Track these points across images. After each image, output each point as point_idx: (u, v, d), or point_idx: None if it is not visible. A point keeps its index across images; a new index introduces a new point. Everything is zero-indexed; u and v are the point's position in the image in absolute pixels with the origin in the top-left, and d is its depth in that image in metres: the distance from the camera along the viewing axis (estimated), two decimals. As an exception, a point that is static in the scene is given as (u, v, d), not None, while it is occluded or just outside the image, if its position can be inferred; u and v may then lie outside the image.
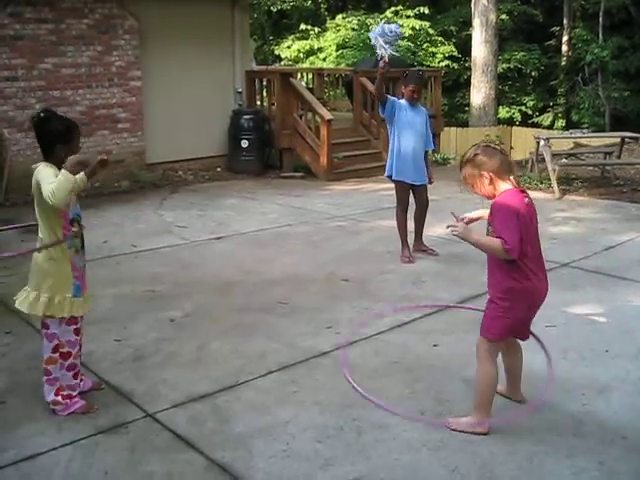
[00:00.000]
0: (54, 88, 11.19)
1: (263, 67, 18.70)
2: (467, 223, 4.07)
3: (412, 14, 23.69)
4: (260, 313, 5.95)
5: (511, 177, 3.90)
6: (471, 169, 3.92)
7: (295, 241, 8.33)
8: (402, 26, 22.58)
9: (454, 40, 24.79)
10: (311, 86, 16.35)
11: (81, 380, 4.39)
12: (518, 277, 3.84)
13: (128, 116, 12.06)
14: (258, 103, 14.16)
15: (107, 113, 11.82)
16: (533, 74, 24.85)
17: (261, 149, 13.25)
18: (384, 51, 7.10)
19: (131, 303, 6.22)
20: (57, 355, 4.21)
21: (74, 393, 4.28)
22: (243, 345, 5.27)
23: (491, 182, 3.86)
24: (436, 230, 8.32)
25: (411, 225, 7.68)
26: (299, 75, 16.08)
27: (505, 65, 23.98)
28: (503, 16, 23.26)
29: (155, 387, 4.60)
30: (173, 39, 12.42)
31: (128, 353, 5.15)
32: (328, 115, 12.65)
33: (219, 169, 13.30)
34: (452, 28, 24.99)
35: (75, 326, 4.23)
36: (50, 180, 3.85)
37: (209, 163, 13.27)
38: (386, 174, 7.66)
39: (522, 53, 24.30)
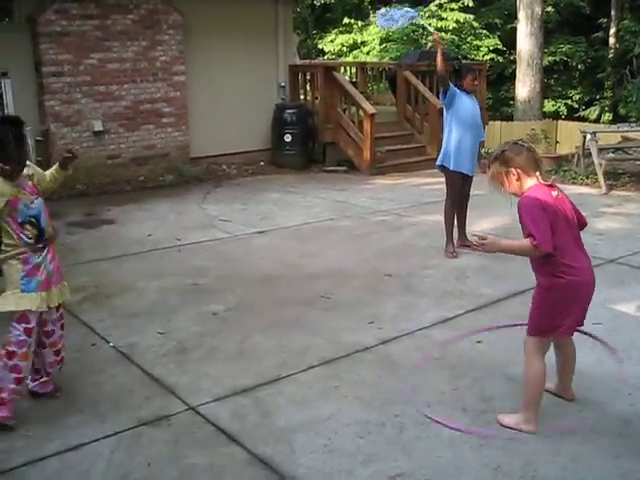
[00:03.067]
0: (99, 83, 11.29)
1: (306, 61, 18.67)
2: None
3: (456, 7, 23.44)
4: (303, 307, 5.95)
5: (538, 173, 3.85)
6: (499, 166, 3.90)
7: (338, 235, 8.31)
8: (446, 19, 22.48)
9: (499, 33, 24.49)
10: (354, 80, 16.29)
11: (20, 390, 4.21)
12: (553, 272, 3.81)
13: (172, 110, 12.13)
14: (301, 97, 14.13)
15: (151, 108, 11.90)
16: (579, 67, 24.45)
17: (304, 143, 13.24)
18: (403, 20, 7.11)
19: (175, 296, 6.26)
20: (4, 352, 4.11)
21: (6, 397, 4.09)
22: (285, 339, 5.27)
23: (519, 178, 3.83)
24: (481, 225, 8.27)
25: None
26: (342, 69, 16.03)
27: (551, 58, 23.64)
28: (549, 8, 22.92)
29: (198, 380, 4.62)
30: (217, 34, 12.46)
31: (171, 346, 5.18)
32: (371, 109, 12.59)
33: (262, 163, 13.32)
34: (497, 21, 24.68)
35: (26, 325, 4.08)
36: None
37: (252, 157, 13.29)
38: (438, 163, 7.55)
39: (568, 46, 23.92)
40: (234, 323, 5.62)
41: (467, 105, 7.34)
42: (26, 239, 4.03)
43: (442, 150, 7.50)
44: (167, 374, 4.71)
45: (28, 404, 4.33)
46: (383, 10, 7.40)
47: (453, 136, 7.33)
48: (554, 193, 3.82)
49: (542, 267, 3.84)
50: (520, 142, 4.00)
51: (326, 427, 4.03)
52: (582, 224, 3.98)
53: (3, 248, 4.09)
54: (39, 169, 4.32)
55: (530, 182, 3.83)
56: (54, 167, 4.30)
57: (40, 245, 4.09)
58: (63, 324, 4.45)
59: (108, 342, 5.26)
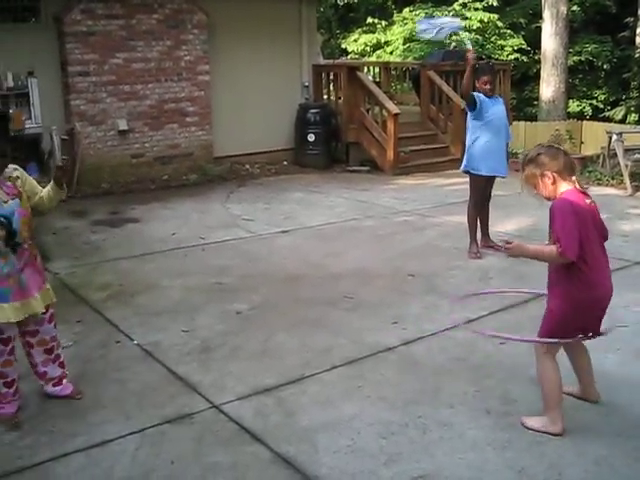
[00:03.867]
0: (124, 82, 11.35)
1: (330, 61, 18.66)
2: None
3: (480, 6, 23.35)
4: (326, 307, 5.95)
5: (573, 178, 3.83)
6: (534, 169, 3.86)
7: (361, 235, 8.31)
8: (470, 19, 22.38)
9: (523, 33, 24.36)
10: (378, 80, 16.27)
11: (16, 389, 4.20)
12: (574, 283, 3.78)
13: (196, 110, 12.17)
14: (325, 97, 14.13)
15: (176, 107, 11.94)
16: (605, 67, 24.25)
17: (327, 143, 13.24)
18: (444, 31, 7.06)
19: (198, 294, 6.28)
20: None
21: (2, 400, 4.16)
22: (309, 339, 5.28)
23: (554, 182, 3.80)
24: (505, 226, 8.25)
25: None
26: (366, 69, 16.00)
27: (576, 58, 23.48)
28: (574, 7, 22.77)
29: (221, 379, 4.64)
30: (241, 33, 12.49)
31: (195, 344, 5.20)
32: (395, 109, 12.56)
33: (285, 163, 13.33)
34: (521, 20, 24.53)
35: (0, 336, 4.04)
36: None
37: (275, 157, 13.31)
38: (463, 169, 7.50)
39: (594, 45, 23.73)
40: (258, 322, 5.64)
41: (491, 108, 7.26)
42: None
43: (466, 155, 7.44)
44: (191, 372, 4.74)
45: (53, 401, 4.37)
46: (425, 20, 7.31)
47: (479, 140, 7.27)
48: (587, 201, 3.79)
49: (564, 275, 3.81)
50: (556, 145, 3.98)
51: (349, 427, 4.04)
52: (605, 236, 3.95)
53: None
54: (33, 181, 4.19)
55: (565, 186, 3.80)
56: (50, 184, 4.18)
57: (7, 248, 3.93)
58: (55, 323, 4.33)
59: (132, 340, 5.29)
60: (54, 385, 4.40)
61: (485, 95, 7.25)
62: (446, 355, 5.00)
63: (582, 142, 18.07)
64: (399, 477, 3.57)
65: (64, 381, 4.43)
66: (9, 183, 4.00)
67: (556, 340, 3.88)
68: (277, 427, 4.05)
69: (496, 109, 7.31)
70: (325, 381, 4.62)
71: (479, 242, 7.51)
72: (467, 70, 7.19)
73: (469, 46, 7.35)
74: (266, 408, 4.26)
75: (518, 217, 8.61)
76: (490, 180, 7.46)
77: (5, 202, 3.93)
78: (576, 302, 3.79)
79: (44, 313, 4.20)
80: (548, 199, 3.88)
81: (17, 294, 4.01)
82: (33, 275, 4.12)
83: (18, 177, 4.06)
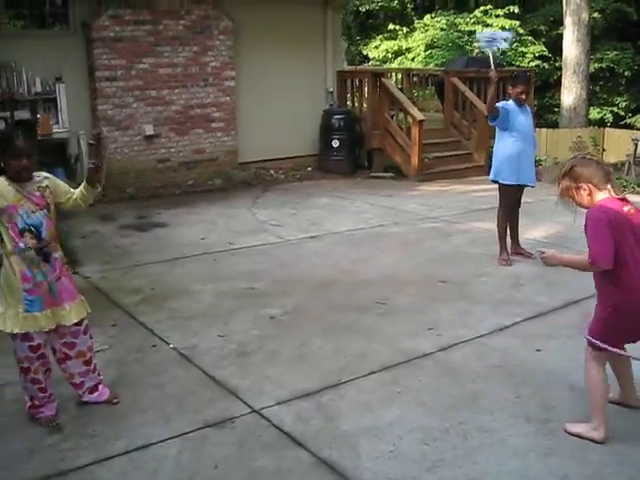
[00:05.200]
0: (151, 88, 11.40)
1: (353, 67, 18.70)
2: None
3: (502, 13, 23.36)
4: (359, 313, 5.95)
5: (609, 186, 3.81)
6: (569, 182, 3.86)
7: (389, 242, 8.30)
8: (491, 25, 22.37)
9: (544, 39, 24.32)
10: (400, 86, 16.29)
11: (51, 393, 4.23)
12: (614, 288, 3.77)
13: (222, 115, 12.20)
14: (349, 103, 14.14)
15: (201, 112, 11.98)
16: (626, 74, 24.17)
17: (352, 149, 13.25)
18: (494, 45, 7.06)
19: (231, 299, 6.30)
20: (19, 368, 4.14)
21: (38, 403, 4.18)
22: (343, 344, 5.28)
23: (590, 193, 3.79)
24: (532, 233, 8.23)
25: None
26: (388, 75, 16.01)
27: (597, 65, 23.41)
28: (595, 14, 22.70)
29: (259, 383, 4.65)
30: (266, 39, 12.52)
31: (231, 348, 5.22)
32: (420, 115, 12.57)
33: (309, 169, 13.35)
34: (542, 27, 24.51)
35: (29, 343, 4.04)
36: None
37: (300, 162, 13.33)
38: (492, 178, 7.46)
39: (615, 52, 23.66)
40: (292, 327, 5.65)
41: (518, 117, 7.24)
42: (24, 248, 3.96)
43: (494, 164, 7.42)
44: (229, 376, 4.75)
45: (91, 405, 4.38)
46: (486, 32, 7.28)
47: (507, 149, 7.24)
48: (626, 208, 3.77)
49: (604, 281, 3.81)
50: (589, 156, 3.98)
51: (390, 432, 4.04)
52: None
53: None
54: (63, 185, 4.21)
55: (601, 195, 3.79)
56: (82, 184, 4.20)
57: (39, 257, 4.00)
58: (90, 333, 4.34)
59: (168, 344, 5.31)
60: (90, 392, 4.41)
61: (517, 104, 7.24)
62: (482, 361, 4.99)
63: (604, 149, 18.01)
64: (443, 483, 3.57)
65: (100, 387, 4.44)
66: (37, 193, 4.01)
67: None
68: (318, 432, 4.06)
69: (524, 118, 7.29)
70: (363, 386, 4.62)
71: (509, 249, 7.49)
72: (491, 90, 7.19)
73: (492, 65, 7.33)
74: (306, 413, 4.27)
75: (546, 224, 8.58)
76: (519, 189, 7.45)
77: (34, 212, 3.97)
78: (618, 307, 3.78)
79: (78, 324, 4.20)
80: (587, 208, 3.87)
81: (48, 302, 4.04)
82: (66, 285, 4.15)
83: (47, 187, 4.08)
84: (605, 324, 3.83)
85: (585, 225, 3.77)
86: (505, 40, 7.58)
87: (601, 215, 3.70)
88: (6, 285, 4.01)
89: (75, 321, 4.16)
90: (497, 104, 7.24)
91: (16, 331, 3.99)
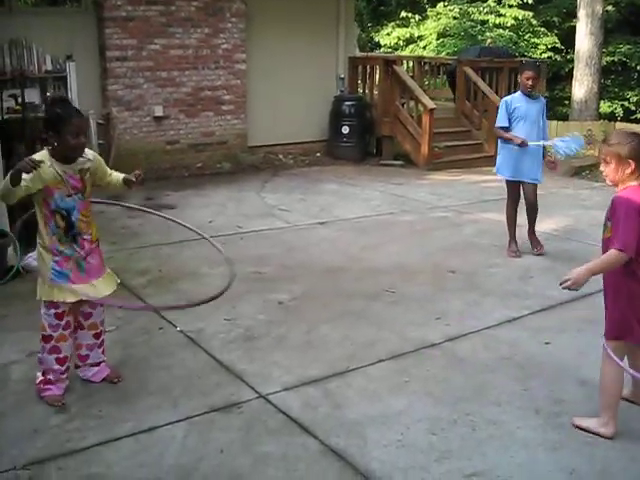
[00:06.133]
0: (162, 69, 11.35)
1: (364, 54, 18.60)
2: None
3: (515, 4, 23.19)
4: (367, 300, 5.92)
5: None
6: (621, 150, 3.75)
7: (398, 230, 8.26)
8: (504, 16, 22.24)
9: (556, 31, 24.16)
10: (411, 74, 16.18)
11: (67, 368, 4.24)
12: (631, 280, 3.75)
13: (232, 98, 12.15)
14: (360, 90, 14.07)
15: (212, 95, 11.93)
16: (638, 68, 24.01)
17: (362, 136, 13.18)
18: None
19: (238, 283, 6.18)
20: (41, 336, 4.19)
21: (52, 378, 4.18)
22: (352, 331, 5.25)
23: (632, 173, 3.72)
24: (541, 226, 8.14)
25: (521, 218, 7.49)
26: (399, 62, 15.91)
27: (609, 58, 23.25)
28: (609, 7, 22.53)
29: (267, 368, 4.62)
30: (278, 23, 12.45)
31: (238, 333, 5.19)
32: (431, 104, 12.49)
33: (319, 154, 13.30)
34: (555, 19, 24.34)
35: (55, 310, 4.11)
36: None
37: (309, 148, 13.28)
38: (496, 171, 7.44)
39: (627, 46, 23.49)
40: (300, 313, 5.62)
41: (521, 108, 7.12)
42: (54, 228, 4.02)
43: (497, 158, 7.39)
44: (236, 361, 4.73)
45: (97, 386, 4.36)
46: (561, 143, 7.16)
47: (505, 144, 7.19)
48: None
49: (623, 275, 3.76)
50: None
51: (398, 422, 4.01)
52: None
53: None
54: (104, 167, 4.27)
55: (633, 182, 3.75)
56: (121, 178, 4.29)
57: (68, 238, 4.06)
58: (104, 308, 4.40)
59: (175, 326, 5.29)
60: (91, 366, 4.40)
61: (524, 91, 7.15)
62: (491, 353, 4.96)
63: (615, 143, 17.89)
64: (451, 474, 3.54)
65: (102, 365, 4.44)
66: (77, 176, 4.04)
67: None
68: (325, 419, 4.03)
69: (530, 109, 7.15)
70: (371, 374, 4.59)
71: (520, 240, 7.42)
72: (513, 139, 7.08)
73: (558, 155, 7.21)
74: (313, 399, 4.24)
75: (555, 217, 8.53)
76: (519, 184, 7.33)
77: (69, 196, 4.01)
78: (632, 298, 3.75)
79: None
80: (611, 183, 3.83)
81: (76, 278, 4.09)
82: (93, 264, 4.20)
83: (89, 169, 4.11)
84: (624, 314, 3.79)
85: (613, 209, 3.72)
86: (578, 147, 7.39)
87: (633, 202, 3.64)
88: (40, 257, 4.10)
89: (106, 293, 4.22)
90: (501, 102, 7.26)
91: (44, 298, 4.07)
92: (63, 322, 4.15)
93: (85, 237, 4.13)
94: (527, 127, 7.14)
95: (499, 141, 7.38)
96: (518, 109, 7.13)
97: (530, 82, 7.09)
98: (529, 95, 7.15)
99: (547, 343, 5.14)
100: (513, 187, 7.37)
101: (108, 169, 4.31)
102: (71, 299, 4.07)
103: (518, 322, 5.57)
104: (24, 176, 3.78)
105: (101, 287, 4.20)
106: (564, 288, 3.79)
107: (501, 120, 7.20)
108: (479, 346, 5.08)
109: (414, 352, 4.94)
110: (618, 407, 3.91)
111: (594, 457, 3.72)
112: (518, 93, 7.26)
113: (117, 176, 4.32)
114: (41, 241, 4.08)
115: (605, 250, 3.80)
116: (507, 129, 7.14)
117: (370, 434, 3.87)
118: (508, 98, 7.30)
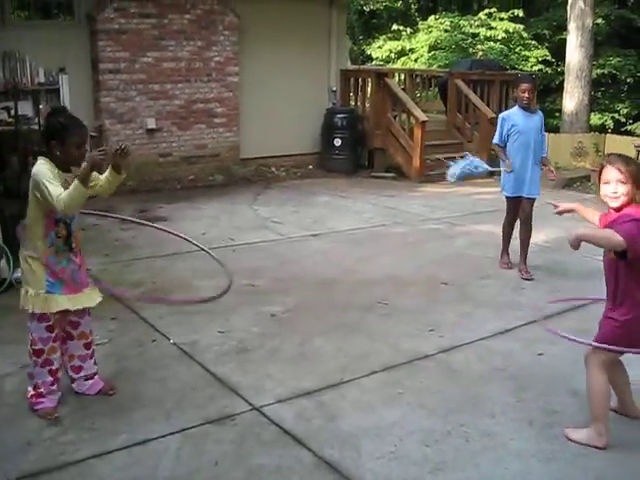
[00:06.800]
0: (154, 82, 11.38)
1: (356, 66, 18.66)
2: (560, 213, 4.25)
3: (506, 17, 23.32)
4: (360, 312, 5.93)
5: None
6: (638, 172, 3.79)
7: (391, 242, 8.28)
8: (495, 29, 22.34)
9: (547, 44, 24.31)
10: (403, 87, 16.24)
11: (57, 380, 4.23)
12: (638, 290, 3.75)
13: (224, 111, 12.18)
14: (352, 102, 14.12)
15: (204, 107, 11.96)
16: (628, 80, 24.16)
17: (354, 148, 13.23)
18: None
19: (231, 296, 6.14)
20: (31, 350, 4.18)
21: (43, 391, 4.18)
22: (345, 343, 5.26)
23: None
24: (533, 238, 8.14)
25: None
26: (391, 75, 15.98)
27: (599, 71, 23.38)
28: (599, 20, 22.68)
29: (260, 381, 4.63)
30: (271, 36, 12.50)
31: (232, 345, 5.19)
32: (423, 116, 12.54)
33: (311, 167, 13.33)
34: (545, 32, 24.50)
35: (46, 323, 4.10)
36: (49, 180, 3.87)
37: (301, 160, 13.31)
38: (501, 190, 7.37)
39: (617, 59, 23.64)
40: (293, 325, 5.63)
41: (520, 123, 7.06)
42: (54, 238, 4.03)
43: (502, 177, 7.29)
44: (229, 373, 4.73)
45: (91, 398, 4.36)
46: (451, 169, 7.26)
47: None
48: None
49: (634, 285, 3.78)
50: None
51: (391, 434, 4.01)
52: None
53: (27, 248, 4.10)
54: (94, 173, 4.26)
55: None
56: (108, 171, 4.25)
57: (65, 247, 4.08)
58: (90, 319, 4.40)
59: (169, 339, 5.29)
60: (85, 379, 4.40)
61: (521, 105, 7.12)
62: (484, 364, 4.97)
63: (606, 155, 17.98)
64: (445, 486, 3.55)
65: (95, 377, 4.44)
66: None
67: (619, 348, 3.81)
68: (319, 431, 4.03)
69: (527, 123, 7.09)
70: (364, 386, 4.60)
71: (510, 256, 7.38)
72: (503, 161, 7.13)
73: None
74: (307, 412, 4.24)
75: (547, 228, 8.55)
76: (524, 200, 7.22)
77: None
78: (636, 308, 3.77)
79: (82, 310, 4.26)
80: (615, 202, 3.80)
81: (69, 288, 4.11)
82: (83, 274, 4.26)
83: None
84: (621, 328, 3.80)
85: (619, 222, 3.70)
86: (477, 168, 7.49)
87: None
88: (29, 268, 4.07)
89: (98, 300, 4.25)
90: (499, 118, 7.25)
91: (37, 311, 4.05)
92: (53, 334, 4.16)
93: (78, 247, 4.19)
94: (524, 143, 7.05)
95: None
96: (516, 125, 7.05)
97: (526, 95, 7.05)
98: (526, 109, 7.11)
99: (540, 354, 5.16)
100: (514, 203, 7.24)
101: (97, 175, 4.24)
102: (67, 307, 4.09)
103: (511, 333, 5.59)
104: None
105: (94, 295, 4.25)
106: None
107: (496, 137, 7.21)
108: (472, 357, 5.09)
109: (407, 364, 4.95)
110: (609, 418, 3.93)
111: (587, 467, 3.74)
112: (515, 108, 7.18)
113: (105, 173, 4.26)
114: (32, 253, 4.05)
115: (609, 269, 3.85)
116: (505, 145, 7.14)
117: (364, 446, 3.88)
118: (505, 114, 7.26)
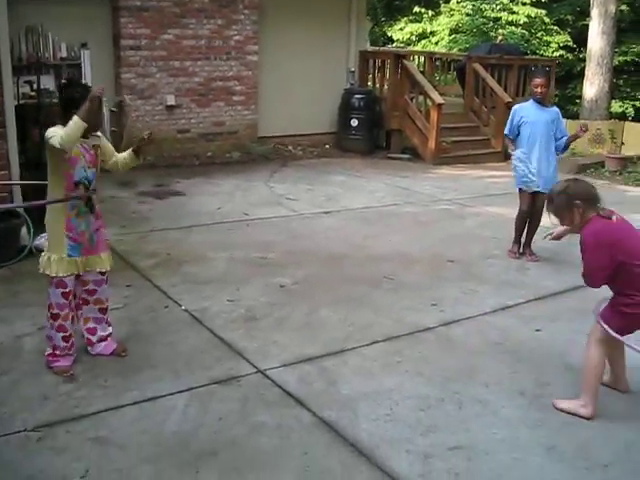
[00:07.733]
0: (174, 58, 11.54)
1: (375, 48, 18.75)
2: (555, 239, 4.42)
3: (528, 1, 23.28)
4: (367, 286, 6.12)
5: (598, 205, 3.97)
6: (561, 201, 3.99)
7: (401, 220, 8.46)
8: (517, 13, 22.29)
9: (569, 30, 24.21)
10: (422, 69, 16.32)
11: (72, 344, 4.44)
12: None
13: (243, 89, 12.33)
14: (370, 83, 14.24)
15: (223, 85, 12.12)
16: (650, 68, 24.07)
17: (370, 129, 13.33)
18: None
19: (243, 267, 6.47)
20: (49, 314, 4.40)
21: (59, 352, 4.39)
22: (350, 314, 5.46)
23: (583, 212, 3.93)
24: (543, 220, 8.28)
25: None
26: (411, 57, 16.06)
27: (621, 58, 23.28)
28: (623, 6, 22.56)
29: (266, 346, 4.83)
30: (291, 15, 12.63)
31: (240, 313, 5.40)
32: (439, 99, 12.65)
33: (327, 146, 13.47)
34: (568, 17, 24.39)
35: (63, 290, 4.32)
36: (54, 130, 4.07)
37: (318, 140, 13.46)
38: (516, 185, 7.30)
39: (640, 46, 23.57)
40: (301, 296, 5.82)
41: (531, 117, 7.01)
42: (75, 200, 4.24)
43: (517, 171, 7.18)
44: (237, 339, 4.93)
45: (103, 359, 4.58)
46: None
47: (516, 151, 7.06)
48: (614, 217, 3.95)
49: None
50: (580, 178, 4.23)
51: (388, 398, 4.21)
52: None
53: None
54: (109, 146, 4.53)
55: (589, 215, 3.94)
56: (128, 152, 4.52)
57: (87, 208, 4.30)
58: (107, 286, 4.62)
59: (180, 306, 5.50)
60: (99, 341, 4.62)
61: (534, 98, 7.06)
62: (482, 338, 5.15)
63: (623, 143, 17.99)
64: (435, 446, 3.74)
65: (109, 339, 4.66)
66: (92, 152, 4.29)
67: None
68: (319, 394, 4.23)
69: (538, 117, 7.00)
70: (365, 355, 4.80)
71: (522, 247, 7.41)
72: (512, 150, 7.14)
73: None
74: (309, 376, 4.45)
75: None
76: (538, 194, 7.05)
77: (89, 167, 4.27)
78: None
79: (102, 274, 4.50)
80: (576, 228, 4.03)
81: (86, 250, 4.35)
82: (102, 237, 4.49)
83: (99, 146, 4.35)
84: (624, 315, 3.97)
85: (582, 249, 3.96)
86: None
87: (593, 240, 3.89)
88: (52, 232, 4.32)
89: (108, 268, 4.50)
90: (512, 108, 7.30)
91: (60, 274, 4.27)
92: (68, 301, 4.39)
93: (98, 208, 4.43)
94: (533, 135, 7.01)
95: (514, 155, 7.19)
96: (525, 117, 7.03)
97: (539, 89, 6.98)
98: (540, 102, 7.06)
99: (538, 330, 5.32)
100: (528, 198, 7.15)
101: (113, 150, 4.54)
102: (82, 270, 4.35)
103: (512, 310, 5.76)
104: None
105: (106, 261, 4.49)
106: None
107: (507, 128, 7.25)
108: (472, 331, 5.27)
109: (408, 335, 5.14)
110: (598, 391, 4.10)
111: (573, 435, 3.92)
112: (530, 101, 7.15)
113: (124, 153, 4.54)
114: (54, 216, 4.27)
115: None
116: (515, 136, 7.15)
117: (361, 409, 4.08)
118: (518, 106, 7.25)
